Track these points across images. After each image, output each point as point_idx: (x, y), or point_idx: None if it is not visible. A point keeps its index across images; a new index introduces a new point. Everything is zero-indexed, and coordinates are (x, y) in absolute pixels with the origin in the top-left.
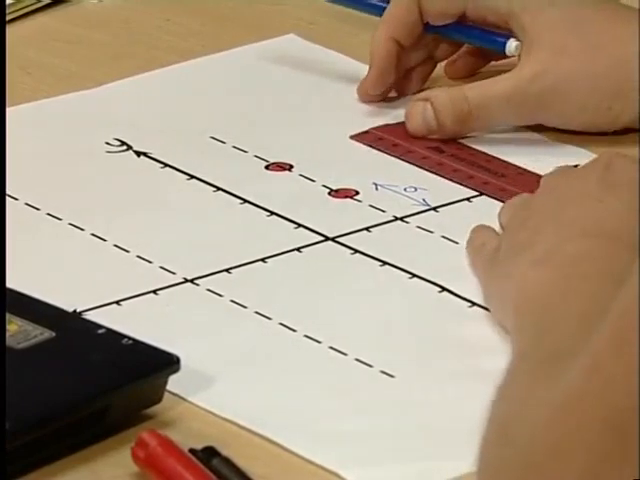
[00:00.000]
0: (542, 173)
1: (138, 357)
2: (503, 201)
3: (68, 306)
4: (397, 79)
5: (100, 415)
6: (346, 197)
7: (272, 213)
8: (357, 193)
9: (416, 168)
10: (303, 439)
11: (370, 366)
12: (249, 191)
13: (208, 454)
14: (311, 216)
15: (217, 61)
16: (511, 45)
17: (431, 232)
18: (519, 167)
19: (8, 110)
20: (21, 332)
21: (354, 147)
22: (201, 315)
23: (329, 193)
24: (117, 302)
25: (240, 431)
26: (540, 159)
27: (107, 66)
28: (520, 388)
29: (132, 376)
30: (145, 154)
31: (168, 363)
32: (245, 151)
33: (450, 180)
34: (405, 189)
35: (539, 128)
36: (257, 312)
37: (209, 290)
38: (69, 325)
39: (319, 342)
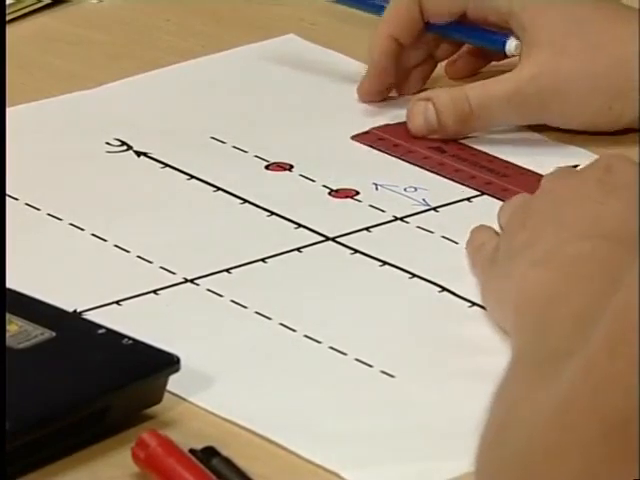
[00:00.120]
0: (543, 173)
1: (138, 357)
2: (505, 201)
3: (68, 306)
4: (397, 79)
5: (100, 415)
6: (346, 197)
7: (272, 213)
8: (357, 193)
9: (416, 168)
10: (303, 439)
11: (370, 366)
12: (249, 191)
13: (208, 454)
14: (311, 216)
15: (217, 61)
16: (511, 45)
17: (431, 232)
18: (521, 167)
19: (8, 110)
20: (21, 332)
21: (354, 147)
22: (201, 315)
23: (329, 193)
24: (117, 302)
25: (240, 431)
26: (541, 159)
27: (107, 66)
28: (518, 389)
29: (132, 376)
30: (145, 154)
31: (168, 363)
32: (245, 151)
33: (452, 180)
34: (405, 189)
35: (540, 128)
36: (257, 312)
37: (209, 290)
38: (69, 325)
39: (319, 342)
